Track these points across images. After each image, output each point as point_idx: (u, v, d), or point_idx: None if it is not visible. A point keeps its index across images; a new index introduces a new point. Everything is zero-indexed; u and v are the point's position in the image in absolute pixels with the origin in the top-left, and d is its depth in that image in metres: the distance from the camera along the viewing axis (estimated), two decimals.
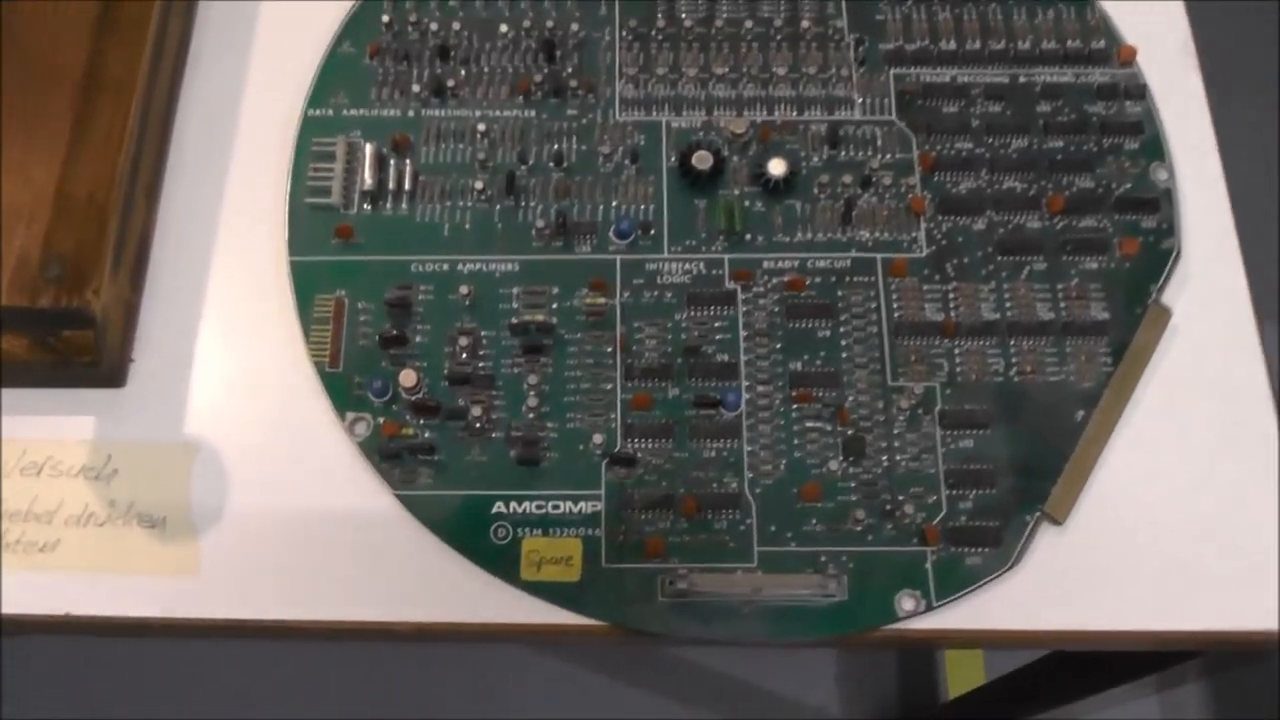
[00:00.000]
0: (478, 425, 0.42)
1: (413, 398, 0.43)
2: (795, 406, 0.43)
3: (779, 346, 0.44)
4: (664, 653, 0.89)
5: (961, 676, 0.87)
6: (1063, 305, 0.45)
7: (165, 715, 0.85)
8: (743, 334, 0.44)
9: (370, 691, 0.87)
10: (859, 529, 0.41)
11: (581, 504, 0.41)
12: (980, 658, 0.87)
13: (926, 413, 0.43)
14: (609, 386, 0.43)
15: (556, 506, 0.41)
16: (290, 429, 0.43)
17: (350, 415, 0.43)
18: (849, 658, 0.89)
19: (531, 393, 0.43)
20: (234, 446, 0.43)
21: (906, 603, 0.40)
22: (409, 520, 0.41)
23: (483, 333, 0.44)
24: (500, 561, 0.41)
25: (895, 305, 0.45)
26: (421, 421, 0.43)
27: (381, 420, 0.42)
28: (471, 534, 0.41)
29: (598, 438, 0.42)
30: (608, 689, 0.88)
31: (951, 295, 0.45)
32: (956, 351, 0.44)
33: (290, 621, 0.40)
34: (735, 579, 0.41)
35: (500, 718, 0.86)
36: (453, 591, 0.41)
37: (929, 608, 0.40)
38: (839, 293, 0.45)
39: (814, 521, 0.41)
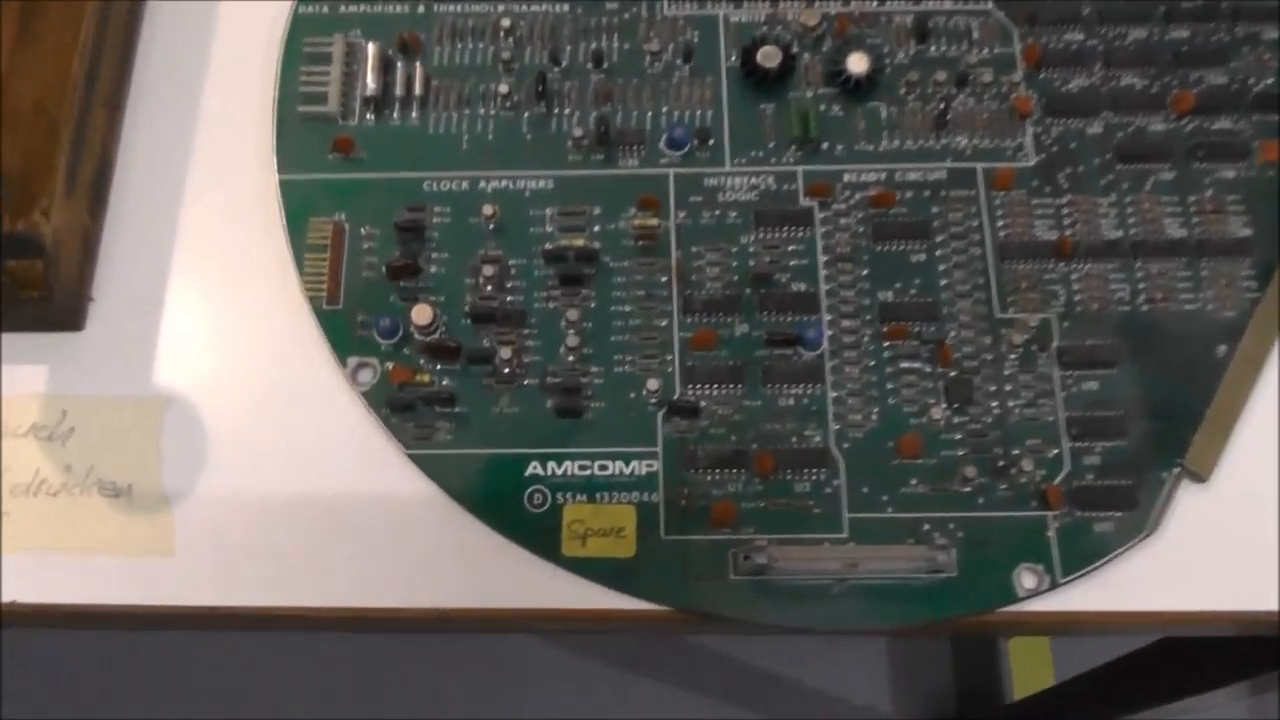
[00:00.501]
0: (506, 370, 0.39)
1: (428, 338, 0.39)
2: (887, 344, 0.39)
3: (865, 273, 0.40)
4: (695, 643, 0.86)
5: (1029, 674, 0.84)
6: (1196, 221, 0.41)
7: (167, 715, 0.84)
8: (822, 259, 0.40)
9: (375, 690, 0.85)
10: (968, 490, 0.37)
11: (634, 464, 0.38)
12: (1048, 651, 0.82)
13: (1042, 349, 0.39)
14: (664, 323, 0.39)
15: (604, 467, 0.38)
16: (281, 378, 0.39)
17: (353, 360, 0.39)
18: (900, 649, 0.86)
19: (571, 331, 0.39)
20: (213, 400, 0.39)
21: (1027, 579, 0.36)
22: (425, 485, 0.38)
23: (511, 261, 0.40)
24: (537, 534, 0.37)
25: (1000, 223, 0.41)
26: (439, 366, 0.39)
27: (390, 366, 0.39)
28: (501, 501, 0.38)
29: (652, 384, 0.38)
30: (633, 683, 0.85)
31: (1065, 211, 0.41)
32: (1074, 276, 0.40)
33: (282, 609, 0.37)
34: (824, 552, 0.36)
35: (511, 716, 0.84)
36: (480, 571, 0.37)
37: (1053, 585, 0.36)
38: (934, 209, 0.41)
39: (914, 481, 0.38)
